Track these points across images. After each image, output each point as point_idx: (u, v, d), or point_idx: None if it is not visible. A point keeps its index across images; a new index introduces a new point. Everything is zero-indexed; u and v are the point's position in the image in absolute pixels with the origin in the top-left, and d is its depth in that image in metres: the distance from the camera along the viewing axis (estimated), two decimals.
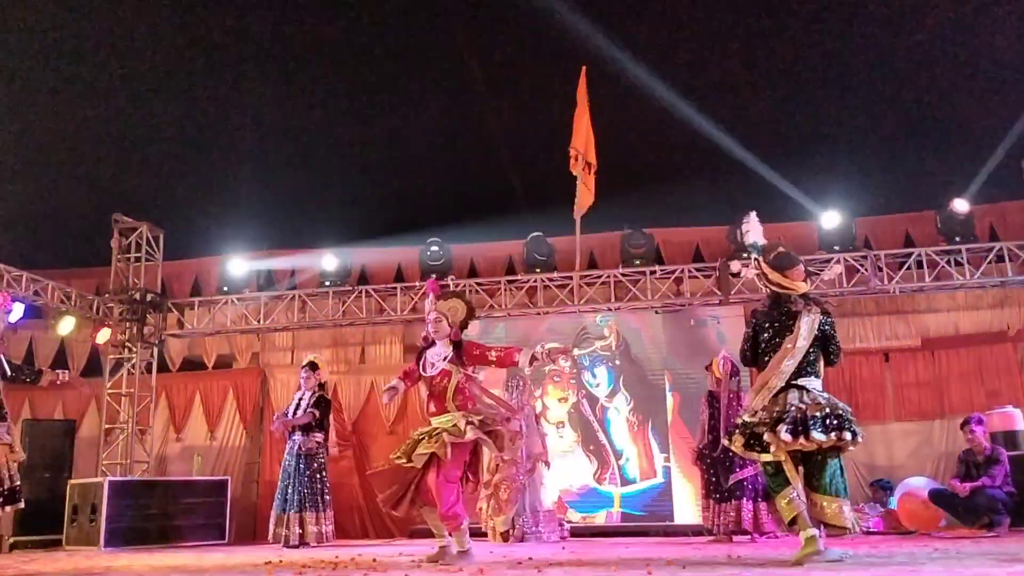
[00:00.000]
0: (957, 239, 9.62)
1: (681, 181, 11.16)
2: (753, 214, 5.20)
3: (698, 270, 10.17)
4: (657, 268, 10.22)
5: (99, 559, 7.17)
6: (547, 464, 8.72)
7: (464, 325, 5.87)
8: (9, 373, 5.92)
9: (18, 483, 5.78)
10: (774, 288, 5.00)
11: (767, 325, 4.96)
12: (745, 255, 5.63)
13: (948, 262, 9.56)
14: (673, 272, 10.20)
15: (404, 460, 5.41)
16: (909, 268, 9.70)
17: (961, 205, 9.57)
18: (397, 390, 5.77)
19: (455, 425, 5.38)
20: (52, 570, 5.88)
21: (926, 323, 10.25)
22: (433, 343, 5.72)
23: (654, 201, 10.56)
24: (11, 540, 9.18)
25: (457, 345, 5.71)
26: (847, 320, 10.21)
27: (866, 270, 9.61)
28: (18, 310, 6.28)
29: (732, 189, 10.81)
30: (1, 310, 5.91)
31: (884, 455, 9.79)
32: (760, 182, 10.14)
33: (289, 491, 8.21)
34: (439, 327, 5.70)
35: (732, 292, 9.82)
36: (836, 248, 9.80)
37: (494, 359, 5.78)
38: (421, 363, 5.71)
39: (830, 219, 9.87)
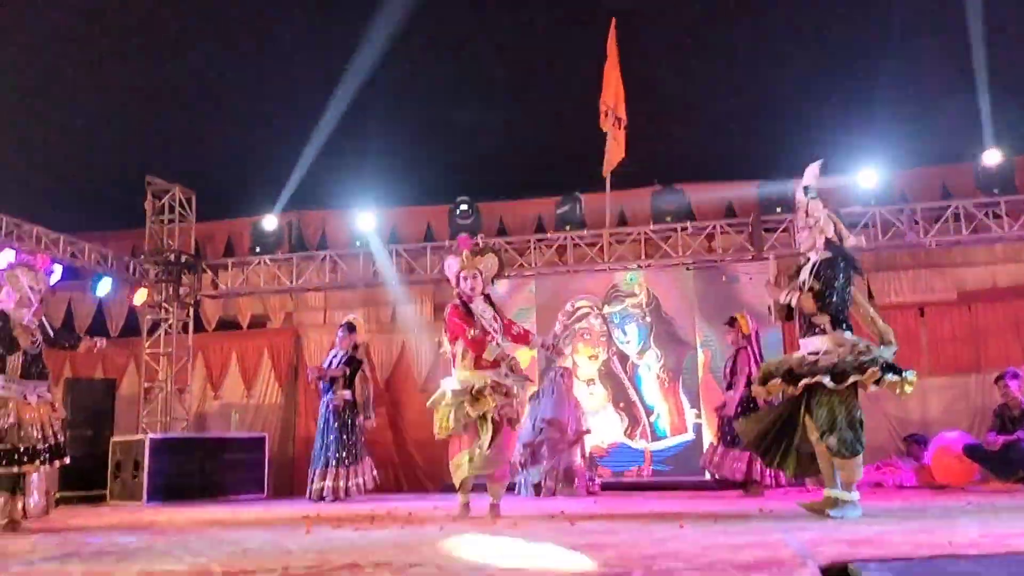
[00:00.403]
0: (995, 191, 9.43)
1: (713, 136, 11.01)
2: (820, 161, 5.16)
3: (730, 226, 10.07)
4: (688, 224, 10.14)
5: (143, 514, 7.37)
6: (588, 431, 9.06)
7: (492, 282, 5.84)
8: (51, 336, 6.05)
9: (62, 439, 5.94)
10: (836, 236, 4.96)
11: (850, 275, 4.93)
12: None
13: (986, 215, 9.39)
14: (705, 228, 10.12)
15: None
16: (946, 221, 9.54)
17: (991, 157, 9.37)
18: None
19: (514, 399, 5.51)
20: (98, 524, 6.06)
21: (963, 277, 10.10)
22: (471, 300, 5.65)
23: (686, 156, 10.45)
24: (57, 495, 9.45)
25: (490, 301, 5.71)
26: (882, 274, 10.10)
27: (902, 224, 9.46)
28: (57, 272, 6.40)
29: (765, 144, 10.64)
30: (41, 272, 6.02)
31: (918, 410, 9.73)
32: (794, 136, 9.98)
33: (325, 447, 8.36)
34: (476, 284, 5.65)
35: (765, 248, 9.73)
36: (873, 202, 9.65)
37: (514, 333, 5.77)
38: (475, 320, 5.56)
39: (868, 177, 9.69)
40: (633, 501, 7.21)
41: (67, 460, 5.97)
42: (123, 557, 3.64)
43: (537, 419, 8.76)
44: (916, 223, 9.49)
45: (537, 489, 8.52)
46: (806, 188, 5.07)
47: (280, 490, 10.39)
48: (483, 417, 5.37)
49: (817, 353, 4.78)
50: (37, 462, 5.57)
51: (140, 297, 10.58)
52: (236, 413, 11.15)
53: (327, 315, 11.54)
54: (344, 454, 8.30)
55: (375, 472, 8.62)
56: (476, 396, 5.36)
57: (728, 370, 7.91)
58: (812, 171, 5.13)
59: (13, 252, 6.02)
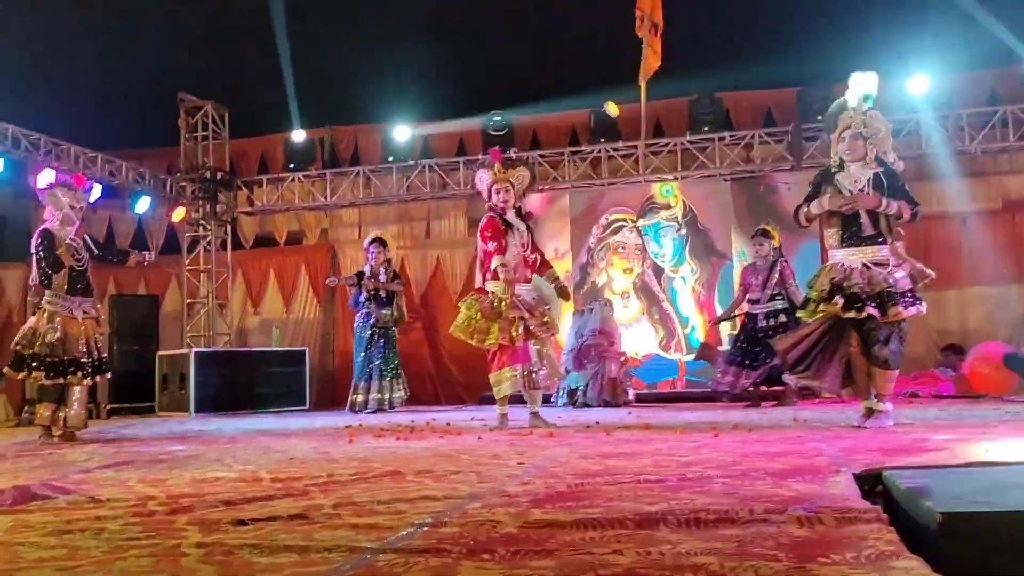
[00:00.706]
0: None
1: (752, 41, 10.65)
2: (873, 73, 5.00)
3: (769, 135, 9.85)
4: (726, 134, 9.93)
5: (191, 424, 7.65)
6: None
7: (525, 195, 5.87)
8: (96, 252, 6.18)
9: (105, 355, 6.14)
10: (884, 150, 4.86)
11: None
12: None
13: None
14: (743, 138, 9.91)
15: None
16: (993, 127, 9.24)
17: None
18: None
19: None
20: (153, 434, 6.30)
21: (1007, 185, 9.84)
22: (504, 212, 5.65)
23: (723, 64, 10.14)
24: (108, 407, 9.82)
25: (521, 214, 5.73)
26: (924, 183, 9.85)
27: (947, 130, 9.19)
28: (96, 190, 6.50)
29: (806, 49, 10.28)
30: (80, 190, 6.10)
31: (957, 319, 9.65)
32: (836, 41, 9.61)
33: (367, 360, 8.57)
34: (508, 197, 5.64)
35: (805, 156, 9.53)
36: (917, 109, 9.35)
37: (529, 260, 5.73)
38: (513, 233, 5.61)
39: (919, 83, 9.34)
40: (667, 412, 7.31)
41: (109, 375, 6.22)
42: (175, 465, 3.80)
43: (587, 328, 8.84)
44: (961, 129, 9.21)
45: (572, 396, 8.62)
46: (866, 96, 4.89)
47: (321, 402, 10.67)
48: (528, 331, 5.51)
49: (886, 265, 4.69)
50: (80, 375, 5.77)
51: (179, 215, 10.70)
52: (277, 328, 11.39)
53: (361, 231, 11.60)
54: (385, 368, 8.55)
55: (407, 386, 8.90)
56: (507, 313, 5.47)
57: (763, 281, 7.66)
58: (870, 79, 4.92)
59: (53, 172, 6.11)
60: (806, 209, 4.93)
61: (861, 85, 4.91)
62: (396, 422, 6.62)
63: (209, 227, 11.21)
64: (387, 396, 8.53)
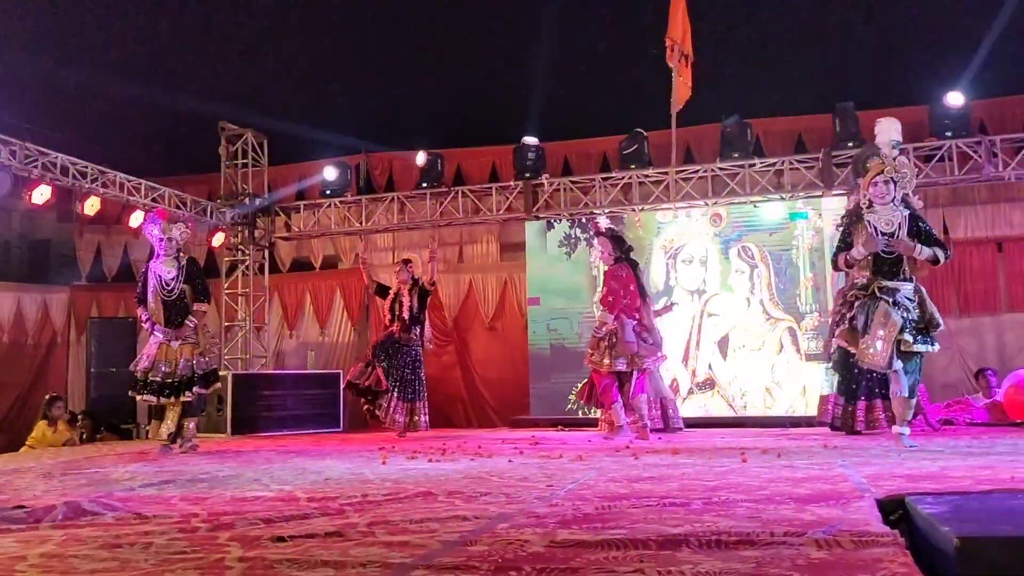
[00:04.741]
0: None
1: (782, 67, 10.71)
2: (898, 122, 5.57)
3: (799, 161, 9.87)
4: (757, 160, 9.97)
5: (229, 444, 7.80)
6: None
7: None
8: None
9: (196, 374, 6.72)
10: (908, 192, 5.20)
11: None
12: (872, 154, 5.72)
13: None
14: (773, 164, 9.94)
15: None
16: None
17: None
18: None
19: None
20: (189, 454, 6.46)
21: None
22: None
23: (754, 89, 10.20)
24: (147, 428, 10.02)
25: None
26: (958, 208, 9.82)
27: (979, 156, 9.15)
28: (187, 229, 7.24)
29: (836, 73, 10.31)
30: (161, 224, 6.81)
31: (993, 346, 9.53)
32: (866, 65, 9.65)
33: (399, 382, 8.56)
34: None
35: (836, 183, 9.53)
36: (948, 134, 9.32)
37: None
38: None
39: (955, 98, 9.30)
40: (696, 437, 7.31)
41: (197, 392, 6.76)
42: (215, 484, 3.92)
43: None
44: (995, 155, 9.16)
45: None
46: (895, 143, 5.29)
47: (356, 423, 10.79)
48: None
49: (912, 302, 5.09)
50: (174, 396, 6.56)
51: (218, 240, 10.99)
52: (312, 351, 11.56)
53: (395, 255, 11.76)
54: (416, 391, 8.58)
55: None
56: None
57: None
58: (895, 125, 5.33)
59: (142, 213, 6.95)
60: (847, 255, 5.35)
61: (890, 132, 5.26)
62: (428, 444, 6.72)
63: (247, 251, 11.47)
64: (420, 418, 8.58)
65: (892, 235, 5.15)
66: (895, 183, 5.19)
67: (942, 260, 5.16)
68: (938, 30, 9.94)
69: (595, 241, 8.44)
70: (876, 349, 4.89)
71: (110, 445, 8.41)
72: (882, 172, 5.23)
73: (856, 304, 5.17)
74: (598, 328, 7.28)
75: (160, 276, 6.62)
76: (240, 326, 11.43)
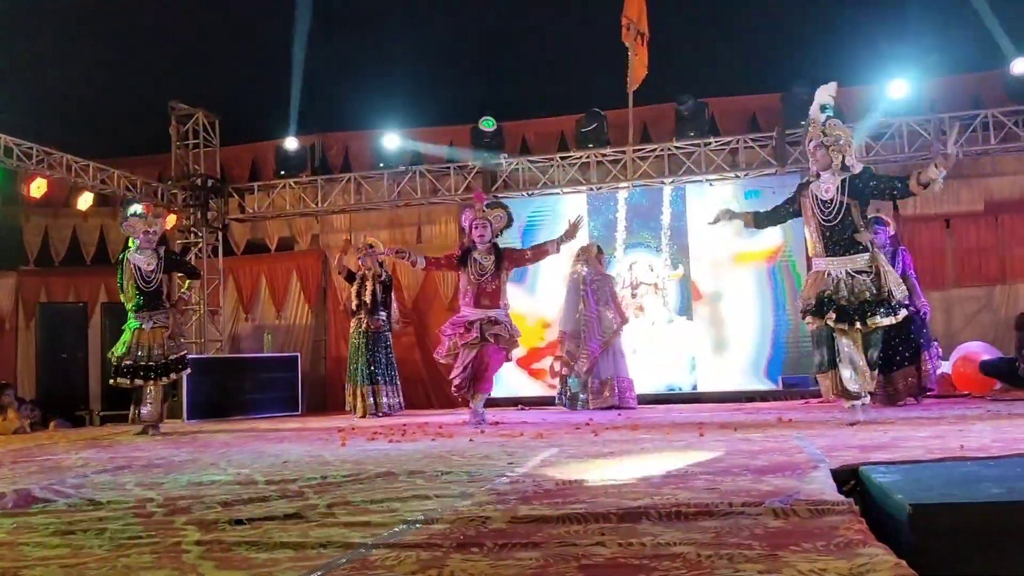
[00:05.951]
0: None
1: (737, 47, 10.78)
2: (834, 84, 5.29)
3: (753, 140, 9.96)
4: (712, 139, 10.04)
5: (185, 429, 7.69)
6: (625, 320, 8.79)
7: (500, 233, 6.65)
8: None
9: (172, 359, 6.92)
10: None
11: None
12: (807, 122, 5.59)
13: (1016, 123, 9.22)
14: (728, 143, 10.02)
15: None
16: (975, 131, 9.38)
17: (1020, 66, 9.14)
18: (406, 255, 6.60)
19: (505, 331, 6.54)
20: (144, 439, 6.36)
21: (990, 187, 9.97)
22: (475, 246, 6.44)
23: (709, 69, 10.26)
24: (100, 414, 9.84)
25: (497, 251, 6.49)
26: None
27: (929, 135, 9.32)
28: (171, 219, 7.44)
29: (790, 54, 10.41)
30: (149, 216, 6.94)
31: (942, 320, 9.76)
32: (821, 45, 9.75)
33: (360, 366, 8.65)
34: (485, 233, 6.44)
35: (789, 161, 9.65)
36: (900, 112, 9.48)
37: (530, 257, 6.75)
38: (469, 262, 6.42)
39: (898, 88, 9.45)
40: (654, 412, 7.40)
41: (172, 377, 7.02)
42: (172, 469, 3.86)
43: (587, 305, 8.53)
44: (943, 133, 9.34)
45: (573, 402, 8.48)
46: (823, 106, 5.12)
47: (313, 408, 10.71)
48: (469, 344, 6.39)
49: (868, 273, 4.98)
50: (151, 377, 6.71)
51: (169, 222, 10.74)
52: (269, 334, 11.43)
53: (353, 237, 11.65)
54: (381, 375, 8.64)
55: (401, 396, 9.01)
56: (468, 327, 6.38)
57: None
58: (828, 89, 5.21)
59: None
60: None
61: (820, 96, 5.15)
62: (389, 424, 6.70)
63: (200, 233, 11.26)
64: (386, 400, 8.68)
65: (830, 201, 4.96)
66: (827, 147, 4.99)
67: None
68: (887, 12, 10.10)
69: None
70: (855, 379, 4.97)
71: (62, 432, 8.25)
72: (813, 138, 5.08)
73: (812, 332, 5.23)
74: None
75: (140, 268, 6.81)
76: (194, 310, 11.24)
